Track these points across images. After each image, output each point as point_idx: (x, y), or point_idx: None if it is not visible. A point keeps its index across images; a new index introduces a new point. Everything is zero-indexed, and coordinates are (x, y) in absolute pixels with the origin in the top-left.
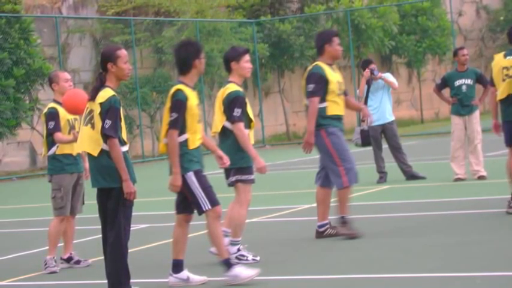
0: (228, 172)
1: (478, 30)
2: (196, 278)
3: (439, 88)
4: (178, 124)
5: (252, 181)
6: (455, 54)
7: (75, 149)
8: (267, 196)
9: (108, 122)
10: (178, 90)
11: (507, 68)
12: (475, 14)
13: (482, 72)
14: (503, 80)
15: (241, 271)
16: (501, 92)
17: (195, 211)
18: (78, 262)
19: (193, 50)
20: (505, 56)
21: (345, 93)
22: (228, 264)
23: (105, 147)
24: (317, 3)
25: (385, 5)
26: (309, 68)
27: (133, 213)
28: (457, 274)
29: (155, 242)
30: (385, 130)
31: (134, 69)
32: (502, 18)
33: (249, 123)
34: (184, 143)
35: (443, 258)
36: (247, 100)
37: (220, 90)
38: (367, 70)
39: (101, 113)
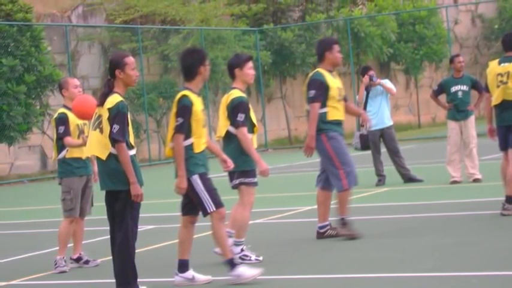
0: (231, 175)
1: (474, 38)
2: (201, 277)
3: (436, 94)
4: (184, 129)
5: (255, 184)
6: (451, 61)
7: (85, 153)
8: (270, 198)
9: (116, 127)
10: (184, 96)
11: (501, 75)
12: (470, 22)
13: (478, 78)
14: (498, 86)
15: (245, 271)
16: (496, 98)
17: (200, 213)
18: (87, 262)
19: (198, 57)
20: (500, 63)
21: (345, 99)
22: (231, 264)
23: (114, 151)
24: (318, 12)
25: (384, 13)
26: (310, 74)
27: (140, 215)
28: (455, 274)
29: (161, 242)
30: (384, 134)
31: (141, 76)
32: (496, 26)
33: (252, 128)
34: (189, 147)
35: (440, 258)
36: (250, 105)
37: (224, 96)
38: (366, 76)
39: (109, 118)
